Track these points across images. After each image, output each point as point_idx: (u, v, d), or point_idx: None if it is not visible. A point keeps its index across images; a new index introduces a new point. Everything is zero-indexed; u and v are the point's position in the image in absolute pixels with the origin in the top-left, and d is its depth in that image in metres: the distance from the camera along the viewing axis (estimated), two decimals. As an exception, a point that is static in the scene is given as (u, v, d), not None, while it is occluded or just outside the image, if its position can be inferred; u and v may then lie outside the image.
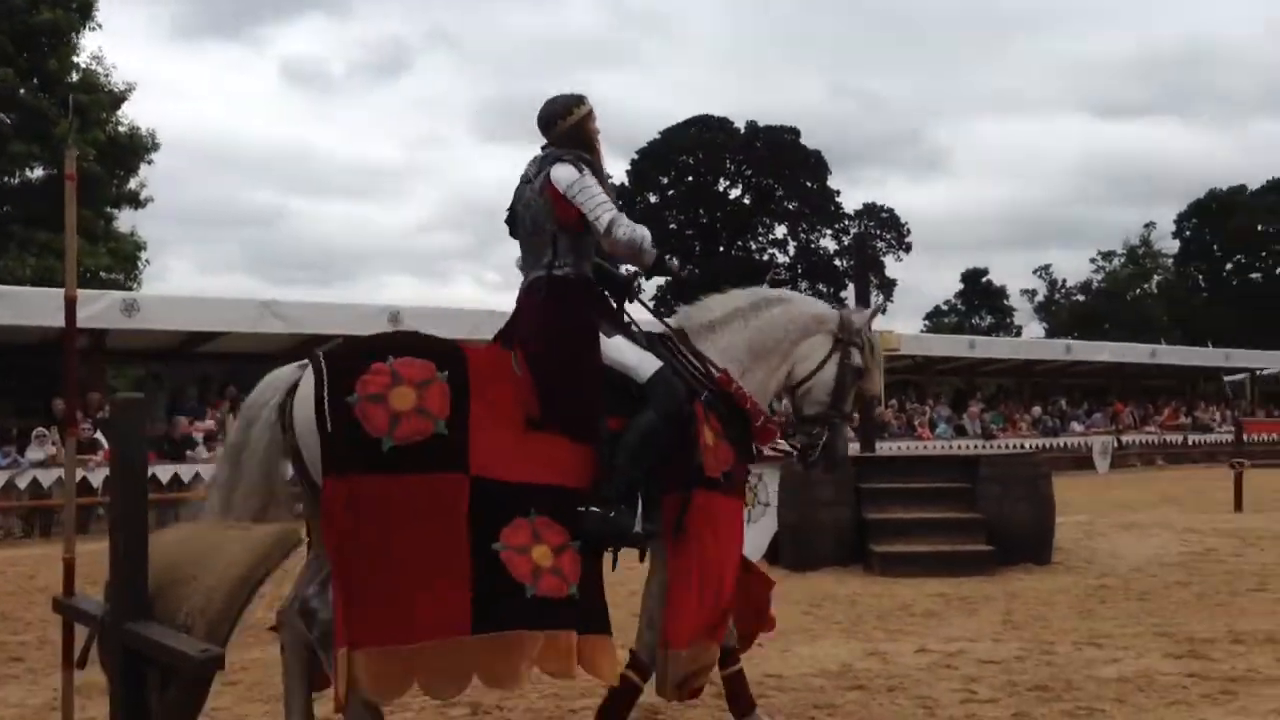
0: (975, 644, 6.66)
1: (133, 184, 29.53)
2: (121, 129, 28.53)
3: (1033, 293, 66.31)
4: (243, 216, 77.90)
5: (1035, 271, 67.12)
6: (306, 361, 3.97)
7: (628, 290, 4.71)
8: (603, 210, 4.28)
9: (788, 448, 5.11)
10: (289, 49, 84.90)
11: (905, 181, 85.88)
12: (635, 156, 55.79)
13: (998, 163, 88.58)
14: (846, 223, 57.21)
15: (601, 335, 4.36)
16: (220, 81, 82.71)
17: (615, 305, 4.62)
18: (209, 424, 17.01)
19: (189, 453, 16.13)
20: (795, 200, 56.25)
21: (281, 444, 3.93)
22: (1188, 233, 60.17)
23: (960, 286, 67.55)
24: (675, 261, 4.68)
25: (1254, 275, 58.64)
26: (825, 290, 57.72)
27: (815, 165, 55.69)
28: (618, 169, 61.64)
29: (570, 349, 4.25)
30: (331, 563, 3.73)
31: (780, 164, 54.94)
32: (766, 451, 5.16)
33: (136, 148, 28.80)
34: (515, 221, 4.57)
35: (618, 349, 4.39)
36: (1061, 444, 26.44)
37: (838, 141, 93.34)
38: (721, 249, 57.58)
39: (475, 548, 3.82)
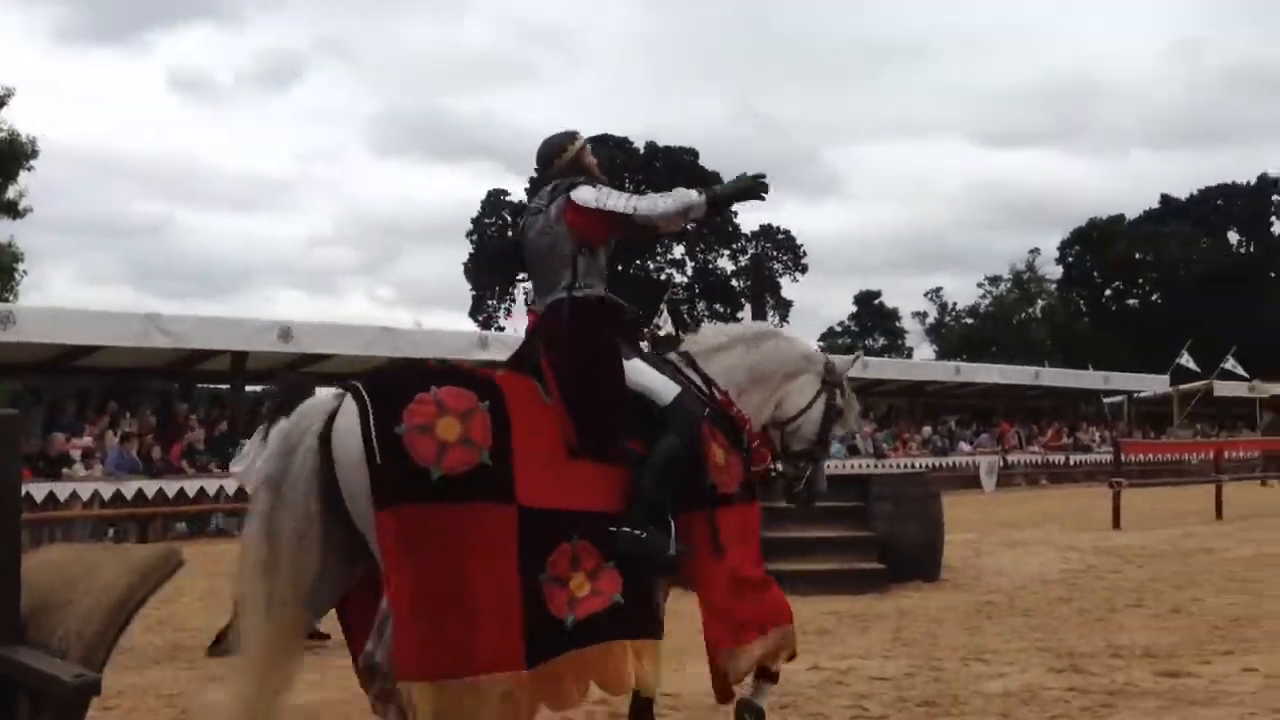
0: (866, 661, 6.74)
1: (11, 192, 28.57)
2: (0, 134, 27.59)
3: (924, 315, 67.81)
4: (125, 227, 75.69)
5: (926, 294, 68.63)
6: (343, 391, 3.98)
7: (636, 328, 4.96)
8: (634, 200, 4.43)
9: (775, 471, 5.26)
10: (176, 56, 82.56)
11: (801, 204, 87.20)
12: (534, 174, 55.71)
13: (891, 187, 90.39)
14: (744, 243, 57.93)
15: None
16: (104, 89, 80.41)
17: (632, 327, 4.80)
18: (86, 440, 16.45)
19: (65, 470, 15.59)
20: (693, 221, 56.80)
21: (322, 472, 3.87)
22: (1070, 259, 62.22)
23: (854, 308, 68.78)
24: (726, 189, 4.70)
25: (1131, 301, 60.91)
26: (722, 310, 58.35)
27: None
28: (515, 186, 61.55)
29: (597, 370, 4.36)
30: (388, 595, 3.75)
31: (679, 184, 55.03)
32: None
33: (16, 154, 27.86)
34: (524, 252, 4.69)
35: (639, 371, 4.54)
36: (950, 463, 27.07)
37: (736, 163, 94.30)
38: (620, 268, 57.83)
39: (524, 580, 3.87)
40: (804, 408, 5.20)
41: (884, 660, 6.76)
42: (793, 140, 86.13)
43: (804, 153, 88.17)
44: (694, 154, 55.75)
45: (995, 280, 65.57)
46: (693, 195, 4.47)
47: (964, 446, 29.10)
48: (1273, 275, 59.59)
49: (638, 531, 4.19)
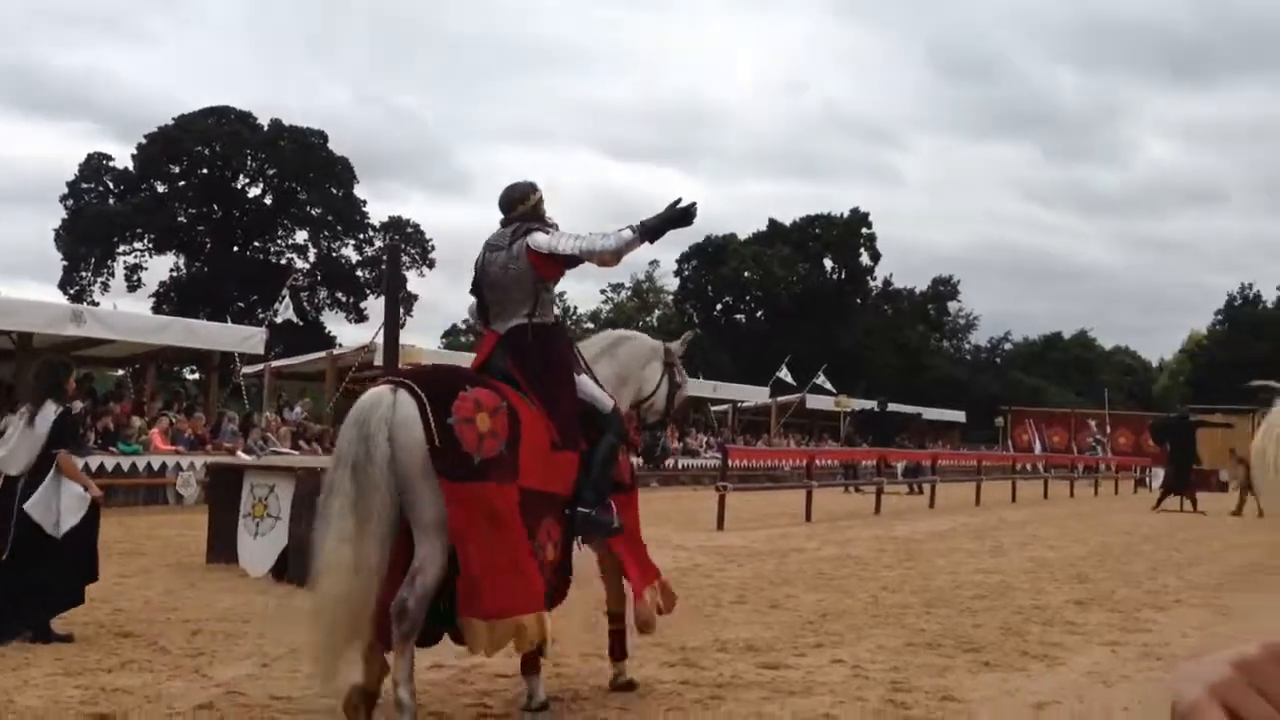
0: (489, 661, 6.67)
1: None
2: None
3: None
4: None
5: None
6: (396, 385, 4.91)
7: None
8: (580, 242, 5.38)
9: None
10: None
11: (431, 199, 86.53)
12: (142, 140, 51.72)
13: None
14: (371, 234, 56.63)
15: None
16: None
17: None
18: None
19: None
20: (319, 206, 54.82)
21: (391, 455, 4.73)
22: (686, 273, 65.63)
23: (479, 307, 69.01)
24: (655, 220, 5.37)
25: (739, 316, 65.14)
26: (345, 300, 56.75)
27: (342, 172, 54.66)
28: (118, 151, 56.87)
29: (559, 384, 5.42)
30: (456, 547, 4.76)
31: (305, 167, 53.32)
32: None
33: None
34: (483, 282, 5.61)
35: (586, 385, 5.64)
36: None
37: (367, 150, 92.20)
38: (236, 249, 54.85)
39: (532, 545, 4.99)
40: (655, 388, 6.38)
41: (507, 659, 6.71)
42: (424, 134, 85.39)
43: (435, 148, 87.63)
44: (323, 136, 53.93)
45: (618, 288, 68.08)
46: (628, 234, 5.31)
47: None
48: (859, 301, 65.75)
49: (591, 511, 5.38)
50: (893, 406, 36.25)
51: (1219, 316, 69.68)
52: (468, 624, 4.79)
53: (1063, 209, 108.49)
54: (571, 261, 5.42)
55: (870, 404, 36.47)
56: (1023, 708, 5.97)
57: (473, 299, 5.83)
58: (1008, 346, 77.51)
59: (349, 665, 4.71)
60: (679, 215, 5.29)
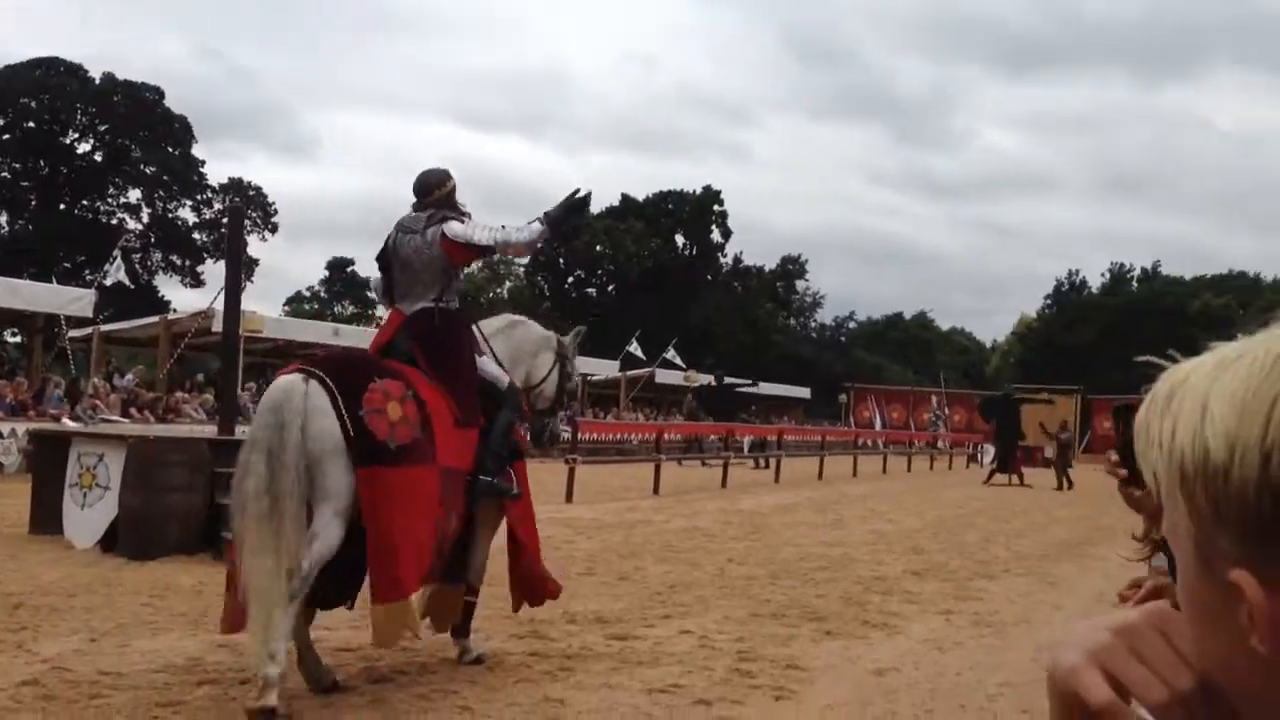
0: (334, 632, 6.51)
1: None
2: None
3: (395, 287, 67.92)
4: None
5: (397, 267, 68.85)
6: (307, 375, 5.15)
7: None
8: (495, 233, 5.79)
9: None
10: None
11: (273, 161, 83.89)
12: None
13: (366, 156, 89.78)
14: (209, 195, 54.62)
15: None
16: None
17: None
18: None
19: None
20: (154, 165, 52.56)
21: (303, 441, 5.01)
22: (538, 245, 65.18)
23: (325, 274, 67.43)
24: (557, 210, 5.91)
25: (589, 289, 65.17)
26: (180, 263, 54.64)
27: (179, 130, 52.49)
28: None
29: (460, 365, 5.76)
30: (367, 530, 5.03)
31: (139, 124, 50.98)
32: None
33: None
34: (393, 261, 5.90)
35: (486, 365, 6.04)
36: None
37: (204, 107, 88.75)
38: (64, 207, 52.18)
39: (436, 520, 5.27)
40: (545, 376, 6.67)
41: (352, 631, 6.56)
42: (267, 94, 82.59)
43: (277, 108, 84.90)
44: (159, 92, 51.65)
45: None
46: (539, 226, 5.83)
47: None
48: (709, 277, 66.54)
49: (493, 479, 5.76)
50: (740, 383, 36.73)
51: (1048, 301, 73.07)
52: (372, 611, 5.16)
53: (907, 193, 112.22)
54: (485, 251, 5.89)
55: (744, 381, 36.94)
56: (864, 674, 6.13)
57: (379, 275, 6.13)
58: (852, 325, 79.80)
59: (280, 629, 4.81)
60: (578, 204, 5.91)
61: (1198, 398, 0.70)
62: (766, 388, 46.23)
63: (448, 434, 5.42)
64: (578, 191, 5.93)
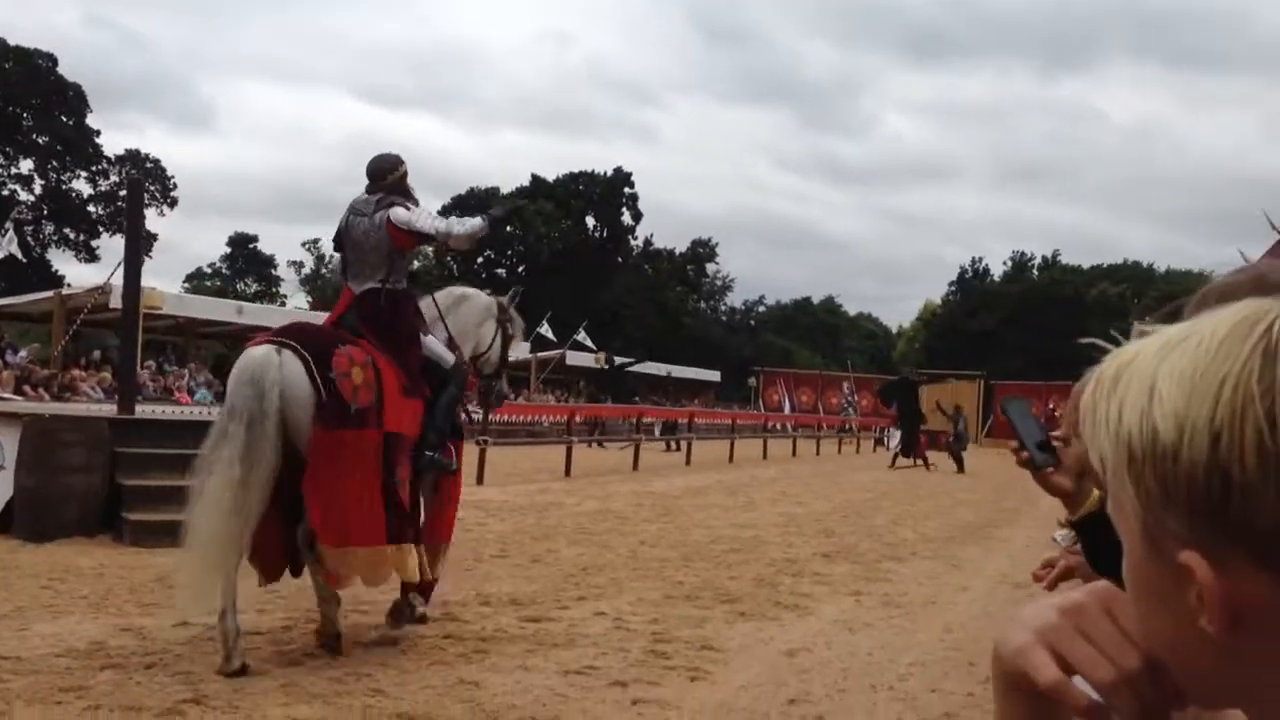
0: (240, 615, 6.39)
1: None
2: None
3: (300, 264, 66.79)
4: None
5: (304, 244, 67.66)
6: (279, 345, 5.42)
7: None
8: (439, 223, 6.15)
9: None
10: None
11: (170, 132, 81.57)
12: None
13: (269, 129, 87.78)
14: (105, 166, 52.99)
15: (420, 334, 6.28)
16: None
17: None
18: None
19: None
20: (47, 135, 50.78)
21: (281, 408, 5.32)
22: (448, 224, 64.60)
23: (227, 250, 65.94)
24: (500, 211, 6.74)
25: (499, 271, 64.72)
26: (75, 237, 52.98)
27: (73, 99, 50.78)
28: None
29: (406, 343, 6.07)
30: (313, 487, 5.36)
31: (31, 91, 49.18)
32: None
33: None
34: (345, 241, 6.24)
35: (431, 344, 6.34)
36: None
37: (98, 74, 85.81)
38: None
39: (384, 481, 5.56)
40: (490, 343, 7.03)
41: (259, 615, 6.44)
42: (160, 62, 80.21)
43: (172, 77, 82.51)
44: (52, 59, 49.87)
45: (377, 237, 66.30)
46: (479, 221, 6.23)
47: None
48: (620, 260, 66.57)
49: (435, 454, 6.07)
50: (627, 362, 36.25)
51: (952, 287, 74.49)
52: (321, 551, 5.48)
53: (814, 178, 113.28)
54: (427, 239, 6.12)
55: (628, 360, 36.70)
56: (776, 655, 6.20)
57: (337, 255, 6.53)
58: (761, 309, 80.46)
59: (212, 592, 5.10)
60: (514, 209, 6.30)
61: (1145, 379, 0.69)
62: (677, 370, 46.43)
63: (396, 402, 5.71)
64: (518, 201, 6.69)
